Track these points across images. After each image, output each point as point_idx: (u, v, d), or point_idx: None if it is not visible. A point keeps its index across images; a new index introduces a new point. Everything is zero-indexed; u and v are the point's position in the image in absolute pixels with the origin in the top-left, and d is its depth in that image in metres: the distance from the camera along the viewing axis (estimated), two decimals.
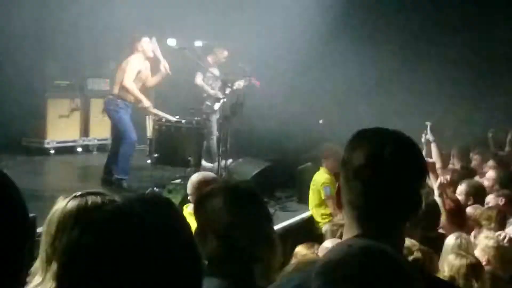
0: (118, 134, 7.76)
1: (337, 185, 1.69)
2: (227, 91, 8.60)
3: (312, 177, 7.10)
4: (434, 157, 6.13)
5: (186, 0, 9.87)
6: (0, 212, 1.22)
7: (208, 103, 9.14)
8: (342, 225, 2.50)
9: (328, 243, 3.52)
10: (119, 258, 1.15)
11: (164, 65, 7.75)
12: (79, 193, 2.16)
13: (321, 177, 6.90)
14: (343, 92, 10.66)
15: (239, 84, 8.81)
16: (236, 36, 9.66)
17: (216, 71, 9.05)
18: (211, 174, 4.87)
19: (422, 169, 1.70)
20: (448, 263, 3.35)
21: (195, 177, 4.53)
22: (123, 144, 7.65)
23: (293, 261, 3.33)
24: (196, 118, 8.17)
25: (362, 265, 1.25)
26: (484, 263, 3.59)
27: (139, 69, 7.64)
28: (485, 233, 4.06)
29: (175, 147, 7.60)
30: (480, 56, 11.24)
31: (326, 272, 1.27)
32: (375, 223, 1.59)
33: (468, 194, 5.20)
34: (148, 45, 7.69)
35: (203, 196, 2.23)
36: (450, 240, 3.80)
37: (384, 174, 1.58)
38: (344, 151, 1.67)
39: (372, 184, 1.59)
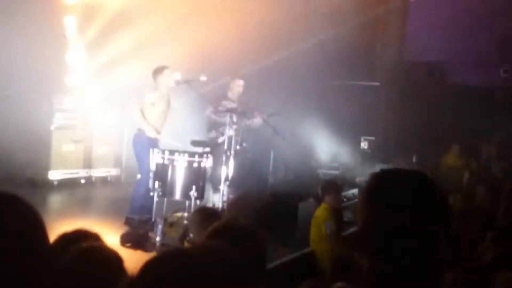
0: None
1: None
2: (242, 124, 8.71)
3: (313, 213, 7.12)
4: None
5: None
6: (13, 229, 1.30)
7: (213, 135, 9.20)
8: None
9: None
10: None
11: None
12: None
13: (322, 213, 6.92)
14: None
15: (257, 121, 8.93)
16: None
17: (233, 105, 9.11)
18: (211, 211, 4.89)
19: None
20: None
21: (196, 214, 4.55)
22: (138, 181, 7.75)
23: None
24: (199, 151, 8.23)
25: None
26: None
27: (152, 100, 7.75)
28: None
29: (177, 180, 7.64)
30: None
31: None
32: None
33: None
34: (169, 77, 7.83)
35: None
36: None
37: None
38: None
39: None
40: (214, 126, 9.22)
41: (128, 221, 7.47)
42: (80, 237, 2.27)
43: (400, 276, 1.64)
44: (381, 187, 1.74)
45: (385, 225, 1.67)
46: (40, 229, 1.39)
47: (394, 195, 1.69)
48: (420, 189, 1.71)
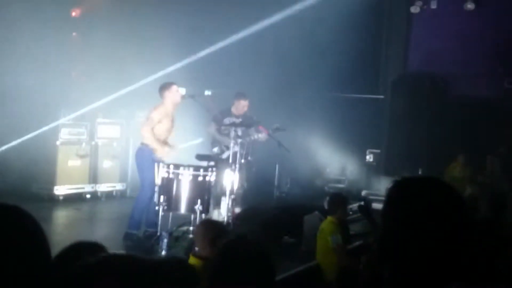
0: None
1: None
2: (247, 138, 8.73)
3: (318, 225, 7.10)
4: None
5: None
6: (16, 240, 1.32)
7: (216, 151, 9.22)
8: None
9: None
10: None
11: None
12: None
13: (328, 226, 6.90)
14: None
15: (262, 136, 8.95)
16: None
17: (233, 120, 9.13)
18: (217, 224, 4.90)
19: None
20: None
21: (201, 227, 4.56)
22: (139, 195, 7.75)
23: None
24: (204, 166, 8.24)
25: None
26: None
27: (160, 118, 7.76)
28: None
29: (182, 194, 7.65)
30: None
31: None
32: None
33: None
34: (176, 93, 7.86)
35: None
36: None
37: None
38: None
39: None
40: (217, 142, 9.25)
41: (127, 236, 7.47)
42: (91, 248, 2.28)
43: (421, 283, 1.64)
44: (402, 194, 1.75)
45: (406, 232, 1.67)
46: (41, 239, 1.41)
47: (414, 202, 1.71)
48: (441, 195, 1.72)
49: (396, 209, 1.74)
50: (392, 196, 1.76)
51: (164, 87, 7.85)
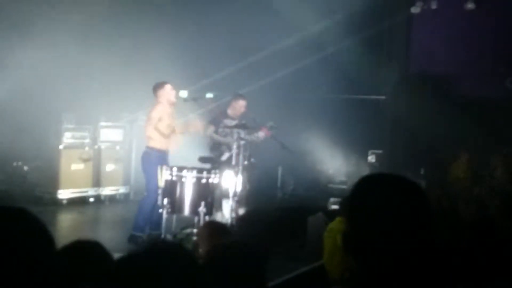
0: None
1: None
2: (249, 139, 8.75)
3: (322, 226, 7.11)
4: None
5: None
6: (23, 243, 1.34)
7: (215, 153, 9.22)
8: None
9: None
10: None
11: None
12: None
13: (337, 225, 6.90)
14: None
15: (261, 135, 8.96)
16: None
17: (233, 122, 9.14)
18: (220, 225, 4.91)
19: None
20: None
21: (205, 228, 4.57)
22: (144, 199, 7.78)
23: None
24: (207, 168, 8.26)
25: None
26: None
27: (159, 116, 7.80)
28: None
29: (186, 197, 7.66)
30: None
31: None
32: None
33: None
34: (171, 92, 7.89)
35: None
36: None
37: None
38: None
39: None
40: (216, 145, 9.25)
41: (132, 239, 7.49)
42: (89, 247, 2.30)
43: (385, 279, 1.67)
44: (364, 191, 1.79)
45: (368, 228, 1.71)
46: (48, 241, 1.42)
47: (376, 198, 1.75)
48: (403, 192, 1.76)
49: (358, 205, 1.78)
50: (355, 192, 1.80)
51: (157, 87, 7.93)
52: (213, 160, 9.02)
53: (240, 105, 9.27)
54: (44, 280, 1.37)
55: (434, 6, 12.88)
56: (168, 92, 7.90)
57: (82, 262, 2.16)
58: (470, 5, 12.58)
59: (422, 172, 11.27)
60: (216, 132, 9.19)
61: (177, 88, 8.36)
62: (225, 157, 8.95)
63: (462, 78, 12.88)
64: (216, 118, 9.10)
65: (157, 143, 7.78)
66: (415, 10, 13.07)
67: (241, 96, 9.36)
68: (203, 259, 4.15)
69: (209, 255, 2.42)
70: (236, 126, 8.89)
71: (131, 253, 1.36)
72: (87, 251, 2.31)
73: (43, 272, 1.38)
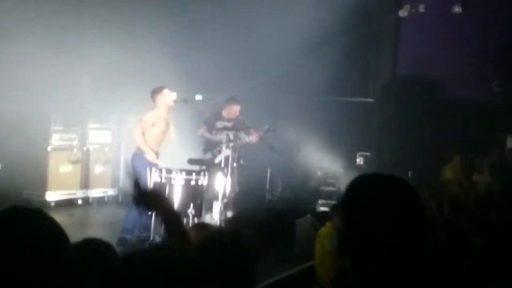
0: None
1: None
2: (239, 142, 8.76)
3: (310, 228, 7.15)
4: None
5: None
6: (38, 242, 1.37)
7: (209, 156, 9.24)
8: None
9: None
10: None
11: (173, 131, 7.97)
12: None
13: (327, 230, 6.93)
14: None
15: (253, 138, 8.98)
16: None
17: (225, 124, 9.15)
18: (209, 227, 4.92)
19: None
20: None
21: (194, 230, 4.58)
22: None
23: None
24: (196, 170, 8.26)
25: None
26: None
27: (153, 120, 7.78)
28: None
29: (175, 198, 7.66)
30: None
31: None
32: None
33: None
34: (169, 95, 7.88)
35: None
36: None
37: None
38: None
39: None
40: (209, 147, 9.26)
41: (120, 242, 7.48)
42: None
43: (378, 279, 1.69)
44: (358, 191, 1.81)
45: (362, 229, 1.72)
46: (65, 242, 1.47)
47: (370, 199, 1.76)
48: (395, 193, 1.77)
49: (352, 206, 1.79)
50: (349, 193, 1.82)
51: (155, 91, 7.89)
52: (203, 162, 9.04)
53: (234, 110, 9.32)
54: (61, 278, 1.41)
55: (421, 9, 12.98)
56: (166, 96, 7.87)
57: (91, 260, 2.19)
58: (457, 9, 12.69)
59: (409, 174, 11.33)
60: (208, 131, 9.21)
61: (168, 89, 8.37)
62: (218, 159, 8.97)
63: (449, 81, 12.97)
64: (209, 120, 9.12)
65: (142, 145, 7.76)
66: (403, 13, 13.15)
67: (235, 101, 9.39)
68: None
69: (203, 242, 2.46)
70: (224, 128, 8.91)
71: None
72: (97, 249, 2.34)
73: (60, 269, 1.41)
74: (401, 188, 1.79)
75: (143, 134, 7.74)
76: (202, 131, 9.29)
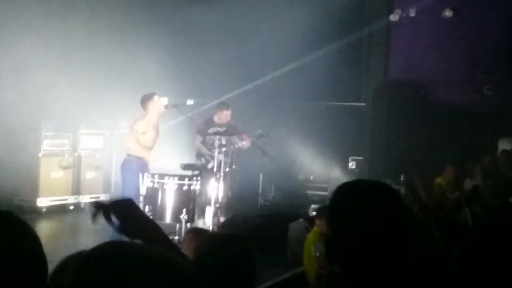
0: None
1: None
2: (231, 147, 8.74)
3: (303, 233, 7.14)
4: None
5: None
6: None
7: (201, 161, 9.21)
8: None
9: None
10: None
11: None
12: None
13: (313, 235, 6.94)
14: None
15: (246, 144, 8.96)
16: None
17: (217, 129, 9.13)
18: (203, 232, 4.90)
19: None
20: None
21: (188, 235, 4.57)
22: None
23: None
24: (189, 175, 8.24)
25: None
26: None
27: (144, 129, 7.72)
28: None
29: (167, 204, 7.64)
30: None
31: None
32: None
33: None
34: (160, 102, 7.83)
35: None
36: None
37: None
38: None
39: None
40: (202, 154, 9.24)
41: None
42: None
43: (367, 282, 1.70)
44: (343, 198, 1.84)
45: (348, 234, 1.75)
46: (36, 244, 1.43)
47: (355, 205, 1.79)
48: (381, 198, 1.81)
49: (338, 211, 1.83)
50: (334, 199, 1.86)
51: (146, 98, 7.80)
52: (195, 167, 9.01)
53: (225, 115, 9.30)
54: (31, 281, 1.38)
55: (412, 14, 13.03)
56: (157, 103, 7.80)
57: None
58: (448, 13, 12.75)
59: (402, 178, 11.35)
60: (203, 142, 9.18)
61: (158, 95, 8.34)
62: (211, 165, 8.95)
63: (441, 85, 13.02)
64: (201, 129, 9.08)
65: (138, 152, 7.72)
66: (394, 18, 13.20)
67: (225, 106, 9.37)
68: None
69: (208, 247, 2.46)
70: (217, 133, 8.89)
71: None
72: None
73: (33, 277, 1.38)
74: (385, 193, 1.83)
75: (139, 142, 7.68)
76: (198, 143, 9.26)
